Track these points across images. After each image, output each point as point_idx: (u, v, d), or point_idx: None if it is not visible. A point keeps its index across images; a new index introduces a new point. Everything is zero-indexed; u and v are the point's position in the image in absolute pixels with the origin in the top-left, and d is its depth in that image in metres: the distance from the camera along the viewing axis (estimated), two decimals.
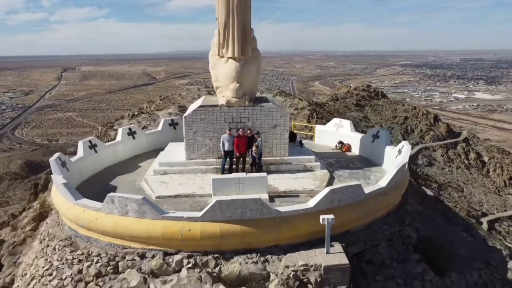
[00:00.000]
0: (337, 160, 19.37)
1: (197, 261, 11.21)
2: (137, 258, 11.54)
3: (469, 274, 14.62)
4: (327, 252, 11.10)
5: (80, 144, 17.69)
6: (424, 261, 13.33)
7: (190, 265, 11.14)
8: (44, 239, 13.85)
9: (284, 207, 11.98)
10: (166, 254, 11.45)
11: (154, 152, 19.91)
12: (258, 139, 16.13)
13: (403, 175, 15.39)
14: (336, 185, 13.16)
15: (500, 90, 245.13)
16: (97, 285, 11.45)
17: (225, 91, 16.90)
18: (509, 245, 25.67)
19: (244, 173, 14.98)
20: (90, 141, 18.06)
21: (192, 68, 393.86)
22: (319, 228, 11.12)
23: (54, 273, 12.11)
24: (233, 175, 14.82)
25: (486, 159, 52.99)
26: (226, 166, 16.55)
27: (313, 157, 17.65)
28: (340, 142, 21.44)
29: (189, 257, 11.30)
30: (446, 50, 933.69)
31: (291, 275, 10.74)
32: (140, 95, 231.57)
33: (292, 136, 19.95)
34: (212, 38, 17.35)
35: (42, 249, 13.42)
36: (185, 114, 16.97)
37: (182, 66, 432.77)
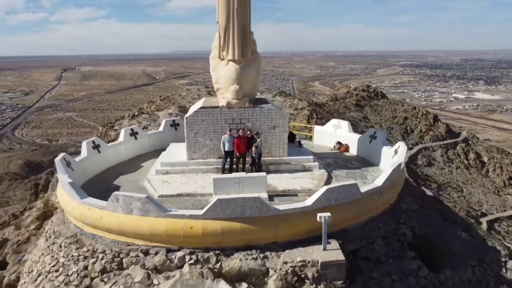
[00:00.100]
0: (335, 160, 19.75)
1: (199, 257, 11.60)
2: (141, 255, 11.92)
3: (462, 271, 15.01)
4: (324, 249, 11.50)
5: (84, 144, 18.10)
6: (419, 258, 13.73)
7: (192, 261, 11.52)
8: (50, 237, 14.24)
9: (282, 206, 12.37)
10: (169, 250, 11.83)
11: (155, 152, 20.26)
12: (258, 140, 16.48)
13: (399, 175, 15.78)
14: (333, 184, 13.55)
15: (500, 90, 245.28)
16: (102, 280, 11.85)
17: (225, 93, 17.29)
18: (508, 245, 25.95)
19: (244, 173, 15.33)
20: (93, 142, 18.47)
21: (192, 68, 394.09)
22: (316, 225, 11.51)
23: (61, 270, 12.52)
24: (233, 174, 15.18)
25: (485, 159, 53.05)
26: (227, 166, 16.90)
27: (311, 157, 18.04)
28: (338, 143, 21.82)
29: (191, 253, 11.68)
30: (446, 50, 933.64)
31: (289, 271, 11.13)
32: (140, 95, 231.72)
33: (291, 137, 20.37)
34: (212, 39, 17.74)
35: (48, 246, 13.82)
36: (187, 115, 17.36)
37: (182, 66, 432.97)
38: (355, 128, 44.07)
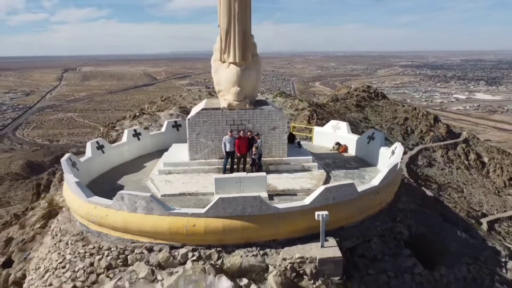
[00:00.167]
0: (334, 160, 20.15)
1: (201, 254, 12.00)
2: (145, 252, 12.32)
3: (457, 268, 15.39)
4: (322, 246, 11.90)
5: (89, 145, 18.52)
6: (414, 256, 14.12)
7: (194, 258, 11.92)
8: (57, 235, 14.65)
9: (282, 204, 12.79)
10: (172, 247, 12.23)
11: (158, 153, 20.69)
12: (258, 141, 16.86)
13: (396, 175, 16.19)
14: (331, 183, 13.96)
15: (501, 91, 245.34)
16: (107, 276, 12.26)
17: (226, 95, 17.71)
18: (509, 245, 26.25)
19: (245, 173, 15.69)
20: (97, 142, 18.90)
21: (193, 69, 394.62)
22: (314, 223, 11.91)
23: (67, 266, 12.93)
24: (234, 174, 15.58)
25: (486, 159, 53.23)
26: (228, 166, 17.27)
27: (310, 157, 18.43)
28: (337, 143, 22.22)
29: (193, 250, 12.08)
30: (447, 51, 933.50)
31: (288, 267, 11.54)
32: (141, 96, 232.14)
33: (291, 138, 20.79)
34: (212, 39, 18.15)
35: (55, 244, 14.23)
36: (189, 117, 17.78)
37: (182, 66, 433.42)
38: (355, 128, 44.35)
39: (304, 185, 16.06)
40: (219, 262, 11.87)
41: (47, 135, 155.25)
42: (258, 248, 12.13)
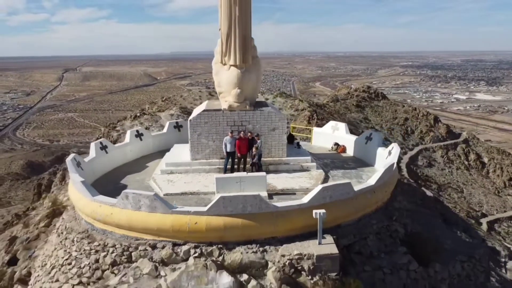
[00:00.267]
0: (332, 160, 20.54)
1: (203, 251, 12.39)
2: (149, 249, 12.71)
3: (452, 266, 15.84)
4: (319, 243, 12.29)
5: (92, 145, 18.93)
6: (410, 254, 14.53)
7: (196, 255, 12.32)
8: (62, 233, 15.07)
9: (281, 203, 13.21)
10: (175, 244, 12.62)
11: (160, 153, 21.07)
12: (258, 141, 17.25)
13: (392, 175, 16.57)
14: (329, 183, 14.38)
15: (501, 91, 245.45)
16: (112, 272, 12.67)
17: (227, 96, 18.12)
18: (509, 246, 26.57)
19: (245, 173, 16.06)
20: (101, 143, 19.31)
21: (193, 69, 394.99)
22: (312, 221, 12.29)
23: (73, 263, 13.35)
24: (235, 174, 15.98)
25: (486, 160, 53.38)
26: (228, 166, 17.65)
27: (309, 157, 18.84)
28: (336, 144, 22.61)
29: (195, 247, 12.47)
30: (447, 51, 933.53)
31: (287, 263, 11.94)
32: (141, 96, 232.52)
33: (290, 138, 21.22)
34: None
35: (61, 241, 14.65)
36: (190, 118, 18.19)
37: (183, 66, 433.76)
38: (355, 129, 44.65)
39: (302, 185, 16.43)
40: (220, 258, 12.25)
41: (47, 135, 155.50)
42: (258, 245, 12.50)
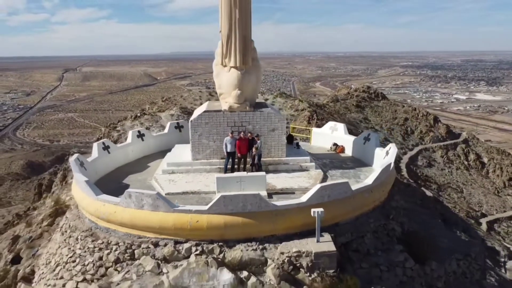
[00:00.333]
0: (331, 160, 20.83)
1: (204, 248, 12.70)
2: (151, 246, 13.01)
3: (448, 263, 16.13)
4: (318, 241, 12.61)
5: (95, 145, 19.27)
6: (406, 252, 14.84)
7: (198, 252, 12.63)
8: (66, 231, 15.39)
9: (280, 202, 13.52)
10: (176, 242, 12.92)
11: (161, 153, 21.35)
12: (258, 142, 17.55)
13: (389, 174, 16.87)
14: (326, 182, 14.70)
15: (501, 91, 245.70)
16: (116, 270, 12.97)
17: (227, 98, 18.43)
18: (508, 246, 26.78)
19: (245, 173, 16.35)
20: (103, 143, 19.64)
21: (193, 69, 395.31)
22: (310, 220, 12.60)
23: (77, 260, 13.66)
24: (235, 174, 16.28)
25: (485, 160, 53.65)
26: (229, 166, 17.95)
27: (308, 158, 19.15)
28: (335, 144, 22.90)
29: (197, 245, 12.77)
30: (447, 51, 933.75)
31: (285, 260, 12.26)
32: (141, 96, 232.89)
33: (290, 138, 21.54)
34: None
35: (65, 239, 14.97)
36: (191, 118, 18.50)
37: (183, 67, 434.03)
38: (355, 129, 44.89)
39: (301, 184, 16.73)
40: (221, 256, 12.56)
41: (47, 135, 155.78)
42: (258, 243, 12.81)
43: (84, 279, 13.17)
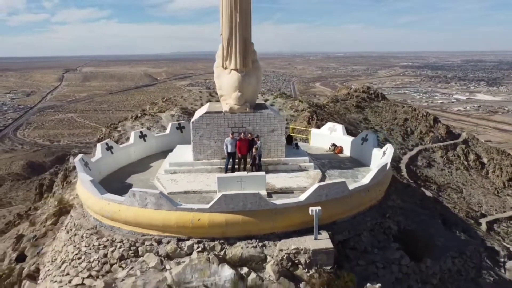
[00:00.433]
0: (329, 161, 21.22)
1: (206, 245, 13.12)
2: (155, 244, 13.44)
3: (443, 261, 16.52)
4: (315, 239, 13.03)
5: (99, 146, 19.69)
6: (402, 249, 15.24)
7: (199, 249, 13.06)
8: (71, 229, 15.81)
9: (279, 201, 13.95)
10: (179, 240, 13.34)
11: (163, 154, 21.76)
12: (258, 142, 17.95)
13: (385, 174, 17.29)
14: (324, 182, 15.12)
15: (501, 92, 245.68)
16: (120, 266, 13.39)
17: (228, 99, 18.85)
18: (508, 246, 27.02)
19: (245, 172, 16.77)
20: (107, 143, 20.05)
21: (194, 69, 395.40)
22: (309, 218, 13.03)
23: (83, 257, 14.07)
24: (236, 174, 16.69)
25: (485, 160, 53.58)
26: (229, 166, 18.34)
27: (307, 158, 19.56)
28: (333, 145, 23.30)
29: (198, 242, 13.20)
30: (447, 51, 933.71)
31: (284, 257, 12.69)
32: (142, 96, 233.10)
33: (289, 139, 21.95)
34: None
35: (70, 237, 15.39)
36: (193, 120, 18.91)
37: (183, 67, 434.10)
38: (355, 129, 45.10)
39: (300, 184, 17.11)
40: (222, 252, 12.98)
41: (48, 135, 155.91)
42: (258, 240, 13.23)
43: (90, 275, 13.57)
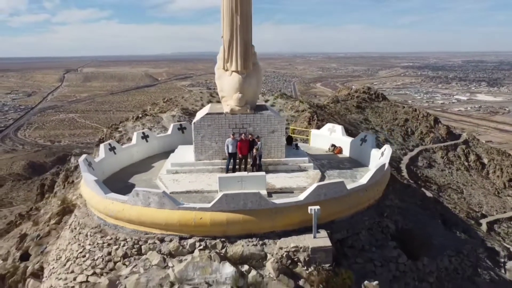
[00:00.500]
0: (329, 161, 21.48)
1: (207, 244, 13.44)
2: (157, 242, 13.75)
3: (440, 260, 16.84)
4: (314, 237, 13.34)
5: (102, 146, 20.00)
6: (399, 248, 15.55)
7: (201, 247, 13.37)
8: (76, 228, 16.14)
9: (279, 200, 14.26)
10: (181, 238, 13.65)
11: (164, 154, 22.06)
12: (258, 143, 18.23)
13: (383, 174, 17.58)
14: (323, 182, 15.43)
15: (502, 92, 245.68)
16: (124, 264, 13.72)
17: (229, 100, 19.16)
18: (508, 246, 27.20)
19: (246, 173, 17.07)
20: (109, 144, 20.36)
21: (194, 70, 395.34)
22: (308, 217, 13.33)
23: (87, 255, 14.41)
24: (236, 174, 16.97)
25: (485, 161, 53.64)
26: (230, 166, 18.61)
27: (307, 158, 19.85)
28: (333, 145, 23.56)
29: (200, 240, 13.52)
30: (448, 52, 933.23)
31: (284, 255, 13.00)
32: (142, 97, 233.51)
33: (289, 140, 22.26)
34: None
35: (74, 236, 15.72)
36: (194, 120, 19.22)
37: (184, 67, 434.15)
38: (356, 130, 45.26)
39: (300, 184, 17.38)
40: (223, 250, 13.30)
41: (48, 135, 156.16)
42: (258, 238, 13.54)
43: (94, 273, 13.91)
